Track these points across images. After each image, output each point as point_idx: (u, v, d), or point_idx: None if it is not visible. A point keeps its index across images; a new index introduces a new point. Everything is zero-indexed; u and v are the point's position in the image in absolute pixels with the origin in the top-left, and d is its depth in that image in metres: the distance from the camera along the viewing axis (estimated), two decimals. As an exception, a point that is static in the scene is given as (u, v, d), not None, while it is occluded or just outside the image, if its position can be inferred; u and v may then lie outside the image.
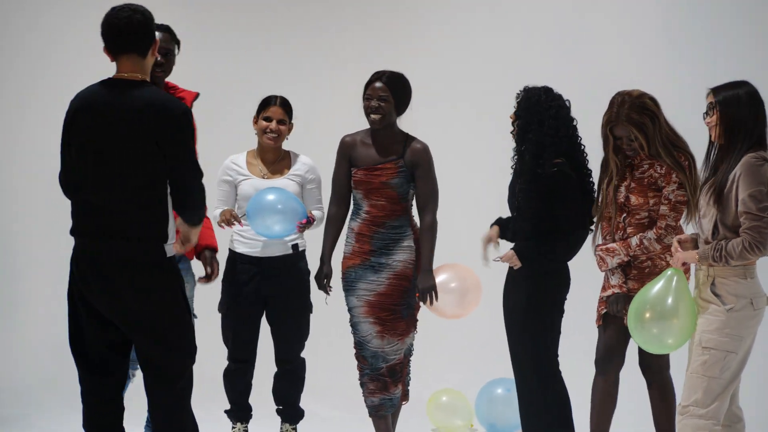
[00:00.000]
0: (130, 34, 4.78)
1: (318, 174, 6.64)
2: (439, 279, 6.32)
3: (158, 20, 5.06)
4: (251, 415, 6.75)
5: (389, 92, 6.26)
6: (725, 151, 5.22)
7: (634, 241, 5.77)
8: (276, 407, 6.77)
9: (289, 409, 6.73)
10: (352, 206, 6.43)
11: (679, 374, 5.94)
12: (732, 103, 5.18)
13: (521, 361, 6.03)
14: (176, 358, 4.86)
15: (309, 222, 6.29)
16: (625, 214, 5.85)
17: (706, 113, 5.26)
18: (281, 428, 6.76)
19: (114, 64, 4.92)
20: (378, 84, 6.27)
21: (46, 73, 8.97)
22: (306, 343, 6.70)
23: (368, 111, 6.28)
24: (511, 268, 6.09)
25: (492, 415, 7.14)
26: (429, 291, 6.22)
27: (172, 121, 4.73)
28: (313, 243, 6.70)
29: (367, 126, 6.38)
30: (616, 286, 5.81)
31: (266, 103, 6.60)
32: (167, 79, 6.06)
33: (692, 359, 5.18)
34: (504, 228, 6.19)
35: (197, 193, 4.89)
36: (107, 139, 4.73)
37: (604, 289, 5.93)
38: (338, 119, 7.71)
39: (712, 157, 5.32)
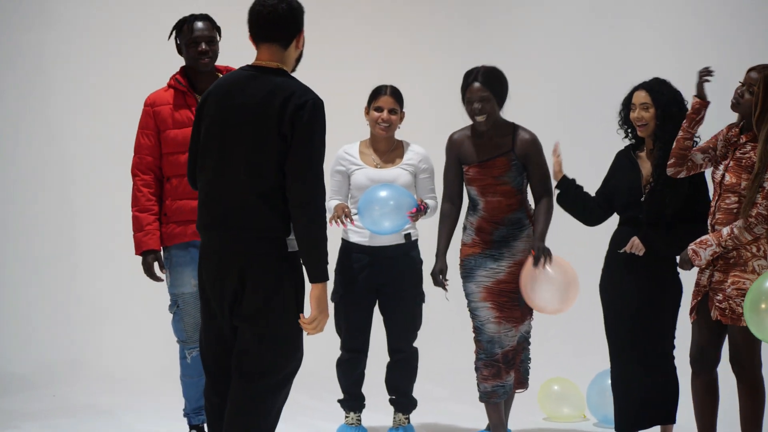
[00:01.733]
0: (272, 23, 4.62)
1: (431, 163, 6.63)
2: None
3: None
4: (364, 404, 6.78)
5: (489, 91, 6.20)
6: None
7: (726, 230, 5.59)
8: (389, 397, 6.79)
9: (402, 398, 6.75)
10: (467, 201, 6.40)
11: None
12: None
13: (643, 347, 6.03)
14: (273, 354, 4.61)
15: (419, 210, 6.28)
16: (717, 198, 5.73)
17: None
18: (394, 418, 6.78)
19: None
20: (475, 85, 6.19)
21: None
22: (419, 332, 6.70)
23: (472, 114, 6.23)
24: (637, 257, 6.02)
25: (604, 406, 7.08)
26: (544, 252, 6.11)
27: (296, 109, 4.50)
28: (425, 232, 6.70)
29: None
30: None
31: (377, 92, 6.60)
32: (226, 65, 6.24)
33: None
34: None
35: (312, 188, 4.55)
36: (231, 124, 4.59)
37: (697, 284, 5.83)
38: (447, 107, 7.68)
39: None
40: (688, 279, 6.07)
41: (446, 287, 6.34)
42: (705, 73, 5.70)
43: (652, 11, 8.53)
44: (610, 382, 6.97)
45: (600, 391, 7.07)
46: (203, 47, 6.12)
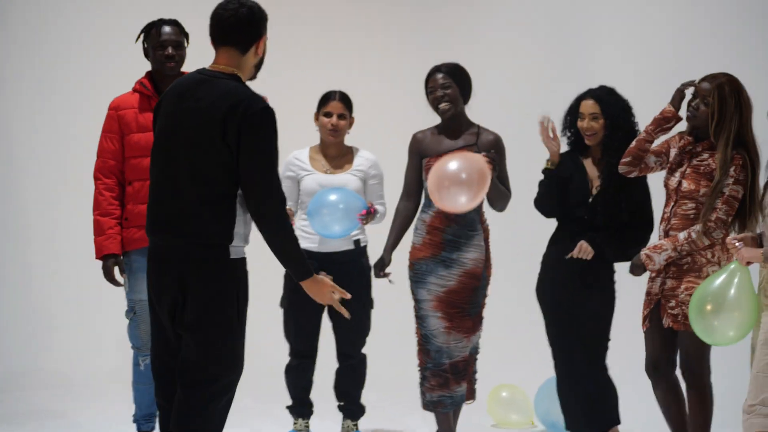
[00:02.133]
0: (232, 27, 4.60)
1: (380, 170, 6.64)
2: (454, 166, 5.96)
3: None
4: (312, 411, 6.75)
5: (451, 80, 6.27)
6: None
7: (682, 235, 5.64)
8: (337, 403, 6.77)
9: (351, 405, 6.73)
10: (423, 200, 6.41)
11: (724, 378, 5.94)
12: None
13: (586, 352, 6.05)
14: (213, 362, 4.58)
15: (369, 213, 6.28)
16: (673, 204, 5.79)
17: None
18: (342, 424, 6.77)
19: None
20: (438, 75, 6.29)
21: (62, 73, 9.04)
22: (367, 338, 6.69)
23: (435, 103, 6.28)
24: (580, 261, 6.05)
25: (551, 413, 7.10)
26: (493, 163, 6.07)
27: (243, 118, 4.45)
28: (375, 239, 6.70)
29: (434, 123, 6.41)
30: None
31: (326, 98, 6.61)
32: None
33: (757, 359, 5.11)
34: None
35: (264, 199, 4.52)
36: (180, 127, 4.57)
37: (648, 293, 5.88)
38: (399, 114, 7.71)
39: None
40: (636, 288, 6.12)
41: (388, 276, 6.37)
42: (687, 86, 5.76)
43: (611, 16, 8.58)
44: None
45: (548, 397, 7.08)
46: (170, 51, 6.16)
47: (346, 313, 4.84)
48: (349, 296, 4.83)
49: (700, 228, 5.59)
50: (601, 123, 6.04)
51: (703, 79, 5.69)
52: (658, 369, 5.83)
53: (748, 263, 5.25)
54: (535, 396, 7.22)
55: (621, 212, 5.99)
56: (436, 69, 6.33)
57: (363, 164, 6.60)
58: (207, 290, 4.54)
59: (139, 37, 6.28)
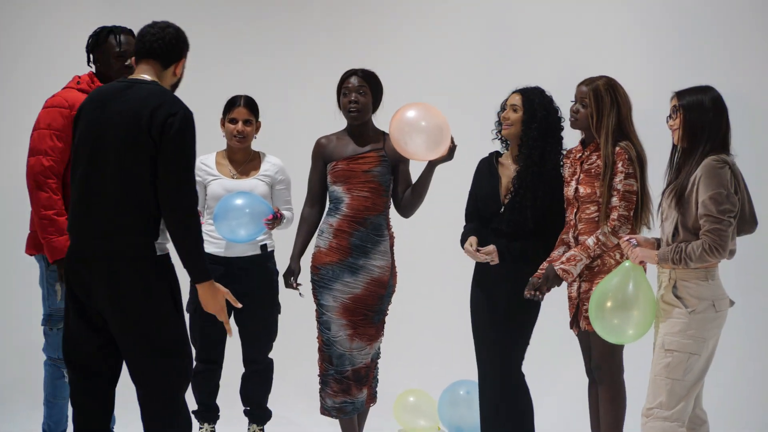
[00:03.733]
0: (157, 42, 4.90)
1: (287, 175, 6.66)
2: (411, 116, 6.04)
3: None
4: (219, 415, 6.75)
5: (366, 86, 6.30)
6: (687, 154, 5.25)
7: (591, 241, 5.73)
8: (243, 408, 6.78)
9: (257, 409, 6.74)
10: (329, 204, 6.39)
11: (636, 378, 6.01)
12: (695, 108, 5.21)
13: (503, 362, 6.06)
14: (160, 357, 4.78)
15: (276, 218, 6.29)
16: (575, 210, 5.87)
17: (670, 116, 5.30)
18: (248, 429, 6.77)
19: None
20: (354, 79, 6.31)
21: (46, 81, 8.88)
22: (274, 344, 6.71)
23: (347, 106, 6.29)
24: (496, 266, 6.07)
25: (455, 417, 7.14)
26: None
27: (166, 116, 4.71)
28: (281, 244, 6.70)
29: (341, 128, 6.42)
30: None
31: (231, 104, 6.62)
32: None
33: (655, 362, 5.20)
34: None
35: (179, 197, 4.74)
36: (107, 130, 4.76)
37: (569, 298, 5.94)
38: (312, 118, 7.69)
39: (675, 161, 5.35)
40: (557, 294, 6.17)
41: (298, 288, 6.35)
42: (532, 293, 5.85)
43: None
44: (461, 392, 7.09)
45: (451, 402, 7.13)
46: (130, 62, 5.85)
47: (230, 331, 5.05)
48: (239, 305, 5.08)
49: (606, 230, 5.69)
50: (519, 115, 6.05)
51: (581, 83, 5.87)
52: (591, 372, 5.91)
53: (642, 263, 5.36)
54: (439, 400, 7.24)
55: (528, 220, 6.02)
56: (353, 72, 6.34)
57: (270, 169, 6.61)
58: (140, 290, 4.74)
59: (89, 41, 6.13)
